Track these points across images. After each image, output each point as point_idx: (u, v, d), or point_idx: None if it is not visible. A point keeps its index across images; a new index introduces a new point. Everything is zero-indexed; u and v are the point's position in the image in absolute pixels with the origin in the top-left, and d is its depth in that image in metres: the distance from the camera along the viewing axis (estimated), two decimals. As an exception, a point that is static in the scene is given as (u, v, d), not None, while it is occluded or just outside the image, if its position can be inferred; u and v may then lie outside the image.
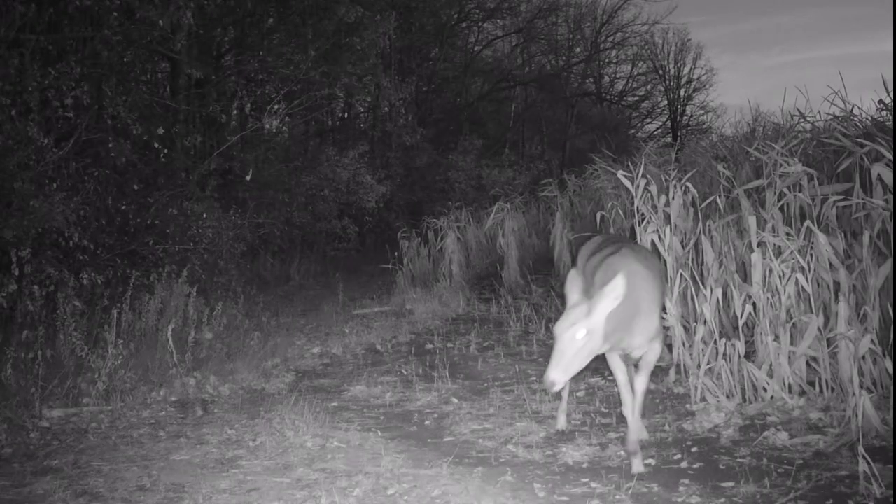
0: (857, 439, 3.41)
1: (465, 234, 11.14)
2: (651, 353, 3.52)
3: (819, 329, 4.12)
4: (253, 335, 6.53)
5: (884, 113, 5.96)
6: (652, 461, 3.59)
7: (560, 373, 3.03)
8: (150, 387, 5.16)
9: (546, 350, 3.72)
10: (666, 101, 30.98)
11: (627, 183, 5.29)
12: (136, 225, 7.24)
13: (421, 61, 20.74)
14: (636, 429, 3.54)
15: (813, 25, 43.59)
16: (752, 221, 4.62)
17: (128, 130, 6.97)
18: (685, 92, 31.18)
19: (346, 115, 19.15)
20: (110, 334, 5.14)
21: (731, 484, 3.23)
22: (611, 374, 3.81)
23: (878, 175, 4.26)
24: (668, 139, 26.13)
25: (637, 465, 3.46)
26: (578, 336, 3.05)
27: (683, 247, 5.28)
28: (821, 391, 4.17)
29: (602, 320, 3.10)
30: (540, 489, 3.31)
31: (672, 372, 4.92)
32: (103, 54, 6.94)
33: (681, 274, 4.97)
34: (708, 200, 5.26)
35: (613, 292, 3.07)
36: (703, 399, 4.31)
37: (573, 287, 3.24)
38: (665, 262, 5.11)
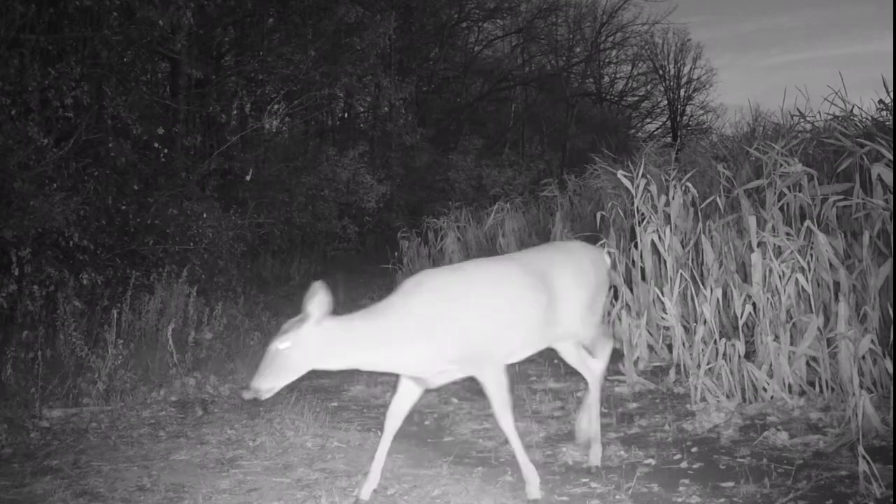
0: (857, 439, 3.40)
1: (464, 234, 11.11)
2: (487, 383, 3.15)
3: (819, 329, 4.13)
4: (253, 335, 6.52)
5: (884, 113, 5.96)
6: (652, 461, 3.59)
7: (261, 381, 2.86)
8: (150, 387, 5.16)
9: (547, 351, 3.70)
10: (666, 101, 30.99)
11: (627, 183, 5.30)
12: (136, 225, 7.24)
13: (421, 61, 20.74)
14: None
15: (813, 25, 43.62)
16: (752, 221, 4.63)
17: (128, 130, 6.98)
18: (685, 92, 31.18)
19: (346, 115, 19.15)
20: (110, 334, 5.14)
21: (731, 484, 3.23)
22: (611, 375, 3.81)
23: (878, 175, 4.27)
24: (668, 139, 26.06)
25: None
26: (281, 347, 2.88)
27: (683, 247, 5.28)
28: (821, 391, 4.17)
29: (311, 335, 2.90)
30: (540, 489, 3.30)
31: (672, 372, 4.92)
32: (103, 54, 6.95)
33: (681, 274, 4.97)
34: (708, 200, 5.27)
35: (312, 306, 2.91)
36: (703, 399, 4.31)
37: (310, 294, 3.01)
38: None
